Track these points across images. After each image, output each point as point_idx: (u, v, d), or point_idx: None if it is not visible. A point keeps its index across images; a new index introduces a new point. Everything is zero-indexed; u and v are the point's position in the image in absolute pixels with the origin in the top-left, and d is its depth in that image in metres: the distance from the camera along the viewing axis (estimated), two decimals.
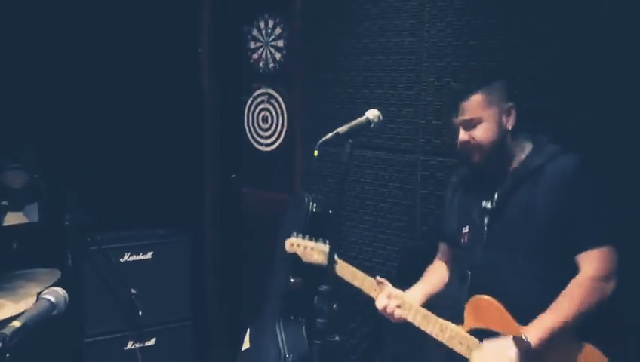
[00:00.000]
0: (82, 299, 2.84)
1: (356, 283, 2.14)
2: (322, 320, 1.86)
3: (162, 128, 3.31)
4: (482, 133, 1.90)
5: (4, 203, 2.73)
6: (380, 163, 2.67)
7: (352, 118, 1.94)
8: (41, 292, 1.42)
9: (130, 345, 2.96)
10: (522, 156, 1.93)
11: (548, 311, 1.78)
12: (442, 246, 2.20)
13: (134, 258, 2.99)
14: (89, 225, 2.82)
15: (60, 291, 1.42)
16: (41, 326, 1.39)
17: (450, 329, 1.91)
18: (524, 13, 2.18)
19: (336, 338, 1.91)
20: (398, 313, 2.01)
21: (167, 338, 3.06)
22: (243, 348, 2.88)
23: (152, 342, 3.02)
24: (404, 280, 2.67)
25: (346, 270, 2.14)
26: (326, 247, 2.18)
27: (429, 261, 2.26)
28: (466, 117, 1.90)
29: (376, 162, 2.68)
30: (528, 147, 1.94)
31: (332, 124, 1.93)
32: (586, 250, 1.81)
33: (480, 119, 1.89)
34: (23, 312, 1.41)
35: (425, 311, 1.98)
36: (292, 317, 2.79)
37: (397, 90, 2.57)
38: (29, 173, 2.75)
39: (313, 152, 1.86)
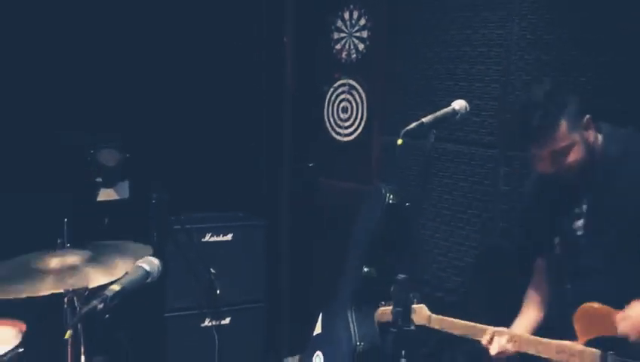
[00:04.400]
0: (164, 275, 2.97)
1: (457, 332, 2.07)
2: (398, 309, 1.87)
3: (244, 116, 3.42)
4: (573, 156, 1.83)
5: (99, 179, 2.90)
6: (462, 156, 2.63)
7: (435, 111, 1.93)
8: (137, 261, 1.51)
9: (207, 322, 3.07)
10: (599, 149, 1.87)
11: None
12: (539, 262, 2.09)
13: (215, 238, 3.11)
14: (172, 204, 2.94)
15: (155, 261, 1.51)
16: (135, 293, 1.48)
17: (567, 348, 1.81)
18: (623, 9, 2.09)
19: (412, 327, 1.92)
20: (509, 347, 1.93)
21: (242, 319, 3.16)
22: (315, 333, 2.93)
23: (227, 321, 3.13)
24: (479, 278, 2.63)
25: (442, 323, 2.08)
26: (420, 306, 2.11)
27: (507, 261, 2.20)
28: (557, 147, 1.81)
29: (458, 156, 2.65)
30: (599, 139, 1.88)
31: (413, 116, 1.92)
32: None
33: (572, 144, 1.82)
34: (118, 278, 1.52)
35: (537, 338, 1.90)
36: (364, 306, 2.80)
37: (483, 82, 2.52)
38: (121, 153, 2.91)
39: (393, 142, 1.86)
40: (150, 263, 1.50)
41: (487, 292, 2.58)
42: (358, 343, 2.71)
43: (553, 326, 1.98)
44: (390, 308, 2.04)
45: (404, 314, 1.87)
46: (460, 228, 2.66)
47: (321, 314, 2.95)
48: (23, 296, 1.65)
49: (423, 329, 2.74)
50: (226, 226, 3.14)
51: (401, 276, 1.88)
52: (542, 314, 2.06)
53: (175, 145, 3.20)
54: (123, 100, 3.05)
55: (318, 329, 2.93)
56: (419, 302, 2.05)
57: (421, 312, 2.09)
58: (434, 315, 2.09)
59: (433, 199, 2.73)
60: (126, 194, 3.01)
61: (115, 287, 1.39)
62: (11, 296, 1.65)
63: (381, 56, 3.05)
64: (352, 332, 2.74)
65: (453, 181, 2.66)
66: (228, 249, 3.13)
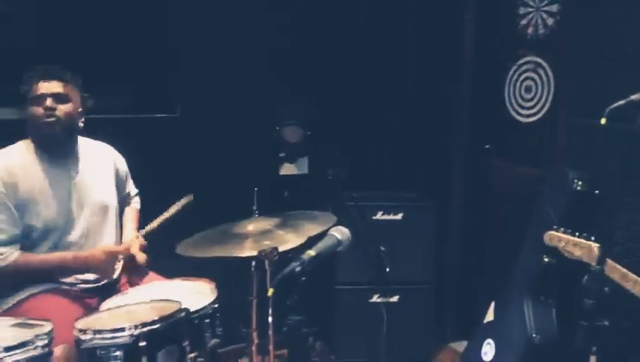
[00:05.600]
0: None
1: (627, 285, 1.94)
2: (590, 301, 1.75)
3: (420, 95, 3.39)
4: None
5: (282, 154, 3.09)
6: None
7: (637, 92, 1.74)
8: (329, 229, 1.58)
9: (375, 298, 3.13)
10: None
11: None
12: None
13: (386, 217, 3.14)
14: (346, 181, 3.03)
15: (345, 231, 1.56)
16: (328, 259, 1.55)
17: None
18: None
19: (605, 323, 1.78)
20: None
21: (409, 298, 3.17)
22: (486, 320, 2.85)
23: (395, 299, 3.16)
24: None
25: (615, 271, 1.95)
26: (591, 244, 2.02)
27: None
28: None
29: None
30: None
31: (608, 97, 1.75)
32: None
33: None
34: (304, 245, 1.59)
35: None
36: (542, 298, 2.65)
37: None
38: (303, 130, 3.05)
39: (590, 124, 1.73)
40: (342, 233, 1.56)
41: None
42: (533, 334, 2.58)
43: None
44: (561, 234, 2.09)
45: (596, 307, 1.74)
46: None
47: (493, 302, 2.85)
48: (229, 254, 1.82)
49: (614, 326, 2.53)
50: (397, 206, 3.16)
51: (595, 267, 1.76)
52: None
53: (351, 124, 3.29)
54: (308, 82, 3.19)
55: (489, 317, 2.84)
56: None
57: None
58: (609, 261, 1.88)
59: (630, 188, 2.48)
60: (305, 170, 3.17)
61: (311, 253, 1.47)
62: (219, 254, 1.83)
63: (572, 31, 2.82)
64: (527, 323, 2.61)
65: None
66: (398, 228, 3.15)
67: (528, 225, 2.76)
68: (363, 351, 3.09)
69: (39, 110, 2.15)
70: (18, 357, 1.58)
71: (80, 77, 2.27)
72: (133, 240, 2.33)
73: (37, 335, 1.65)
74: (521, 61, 3.12)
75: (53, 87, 2.17)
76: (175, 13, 2.94)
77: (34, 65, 2.23)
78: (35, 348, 1.62)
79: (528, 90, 3.09)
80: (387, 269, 3.05)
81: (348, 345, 3.16)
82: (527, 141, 3.10)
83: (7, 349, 1.57)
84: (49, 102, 2.15)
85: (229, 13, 3.04)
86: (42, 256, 2.12)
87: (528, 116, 3.10)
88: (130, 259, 2.28)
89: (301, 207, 2.36)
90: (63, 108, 2.17)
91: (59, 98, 2.17)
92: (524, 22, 3.10)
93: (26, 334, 1.67)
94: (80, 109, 2.26)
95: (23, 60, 2.59)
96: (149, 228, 2.38)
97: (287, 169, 3.15)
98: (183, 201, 2.38)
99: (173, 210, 2.38)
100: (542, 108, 3.02)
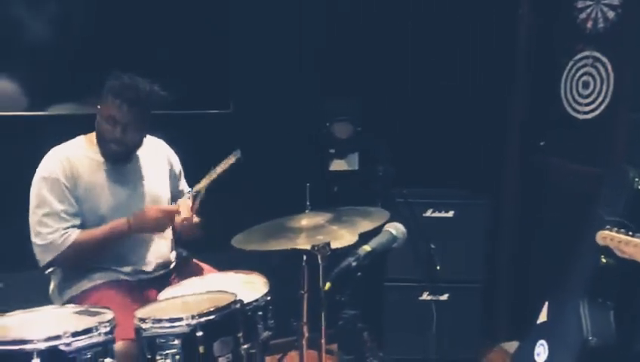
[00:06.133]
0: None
1: None
2: None
3: (472, 91, 3.34)
4: None
5: (332, 150, 3.10)
6: None
7: None
8: (382, 226, 1.58)
9: (424, 296, 3.11)
10: None
11: None
12: None
13: (436, 214, 3.11)
14: (397, 177, 3.02)
15: (401, 227, 1.56)
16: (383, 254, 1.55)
17: None
18: None
19: None
20: None
21: (460, 297, 3.13)
22: (539, 321, 2.79)
23: (445, 297, 3.13)
24: None
25: None
26: None
27: None
28: None
29: None
30: None
31: None
32: None
33: None
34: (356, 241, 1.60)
35: None
36: (600, 300, 2.58)
37: None
38: (353, 126, 3.06)
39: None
40: (397, 229, 1.56)
41: None
42: (589, 337, 2.51)
43: None
44: (614, 233, 2.07)
45: None
46: None
47: (547, 302, 2.79)
48: (283, 248, 1.84)
49: None
50: (448, 203, 3.12)
51: None
52: None
53: (402, 120, 3.27)
54: (359, 77, 3.19)
55: (542, 318, 2.78)
56: None
57: None
58: None
59: None
60: (355, 166, 3.17)
61: (367, 248, 1.48)
62: (272, 248, 1.85)
63: (635, 24, 2.72)
64: (583, 325, 2.55)
65: None
66: (449, 225, 3.11)
67: (585, 224, 2.69)
68: (412, 348, 3.07)
69: (108, 130, 2.16)
70: (83, 343, 1.65)
71: (156, 84, 2.21)
72: (183, 201, 2.33)
73: (100, 322, 1.71)
74: (578, 56, 3.03)
75: (125, 116, 2.13)
76: (229, 9, 2.98)
77: (110, 65, 2.22)
78: (99, 334, 1.68)
79: (586, 85, 3.00)
80: (437, 267, 3.03)
81: (397, 341, 3.15)
82: (585, 138, 3.02)
83: (74, 334, 1.64)
84: (118, 133, 2.15)
85: (281, 11, 3.06)
86: (98, 229, 2.18)
87: (585, 113, 3.01)
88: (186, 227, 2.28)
89: (351, 203, 2.37)
90: (131, 136, 2.18)
91: (130, 125, 2.16)
92: (582, 16, 3.01)
93: (89, 321, 1.74)
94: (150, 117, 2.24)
95: (78, 56, 2.70)
96: (198, 186, 2.35)
97: (338, 165, 3.16)
98: (231, 158, 2.32)
99: (221, 168, 2.33)
100: (600, 104, 2.93)
